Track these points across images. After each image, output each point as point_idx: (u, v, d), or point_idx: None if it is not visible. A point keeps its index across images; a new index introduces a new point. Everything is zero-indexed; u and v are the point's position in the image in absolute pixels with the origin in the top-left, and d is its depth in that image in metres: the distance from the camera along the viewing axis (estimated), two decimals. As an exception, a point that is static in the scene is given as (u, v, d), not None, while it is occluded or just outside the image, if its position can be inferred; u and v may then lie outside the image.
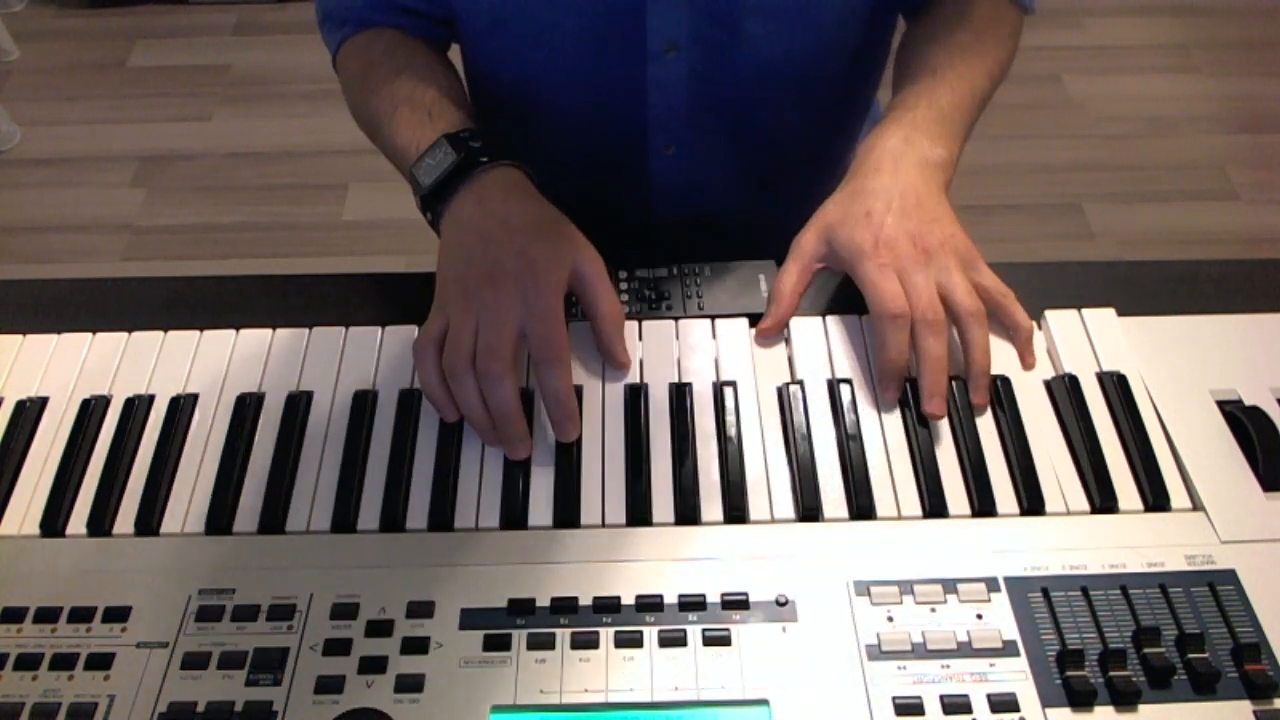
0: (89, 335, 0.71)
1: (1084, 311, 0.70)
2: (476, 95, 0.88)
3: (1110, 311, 0.70)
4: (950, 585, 0.56)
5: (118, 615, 0.56)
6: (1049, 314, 0.70)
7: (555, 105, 0.82)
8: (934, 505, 0.60)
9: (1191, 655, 0.53)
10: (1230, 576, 0.57)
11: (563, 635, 0.55)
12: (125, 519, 0.61)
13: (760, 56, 0.78)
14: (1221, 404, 0.65)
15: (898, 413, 0.65)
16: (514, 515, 0.60)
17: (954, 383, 0.65)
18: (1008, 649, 0.54)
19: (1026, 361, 0.67)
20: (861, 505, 0.60)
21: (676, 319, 0.71)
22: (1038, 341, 0.68)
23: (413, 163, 0.69)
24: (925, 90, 0.73)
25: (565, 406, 0.62)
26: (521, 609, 0.56)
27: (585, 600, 0.56)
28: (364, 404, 0.66)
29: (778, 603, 0.56)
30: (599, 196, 0.86)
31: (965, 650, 0.54)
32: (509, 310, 0.61)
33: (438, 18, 0.82)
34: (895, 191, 0.67)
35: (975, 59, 0.76)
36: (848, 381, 0.66)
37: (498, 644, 0.55)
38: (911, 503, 0.61)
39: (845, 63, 0.84)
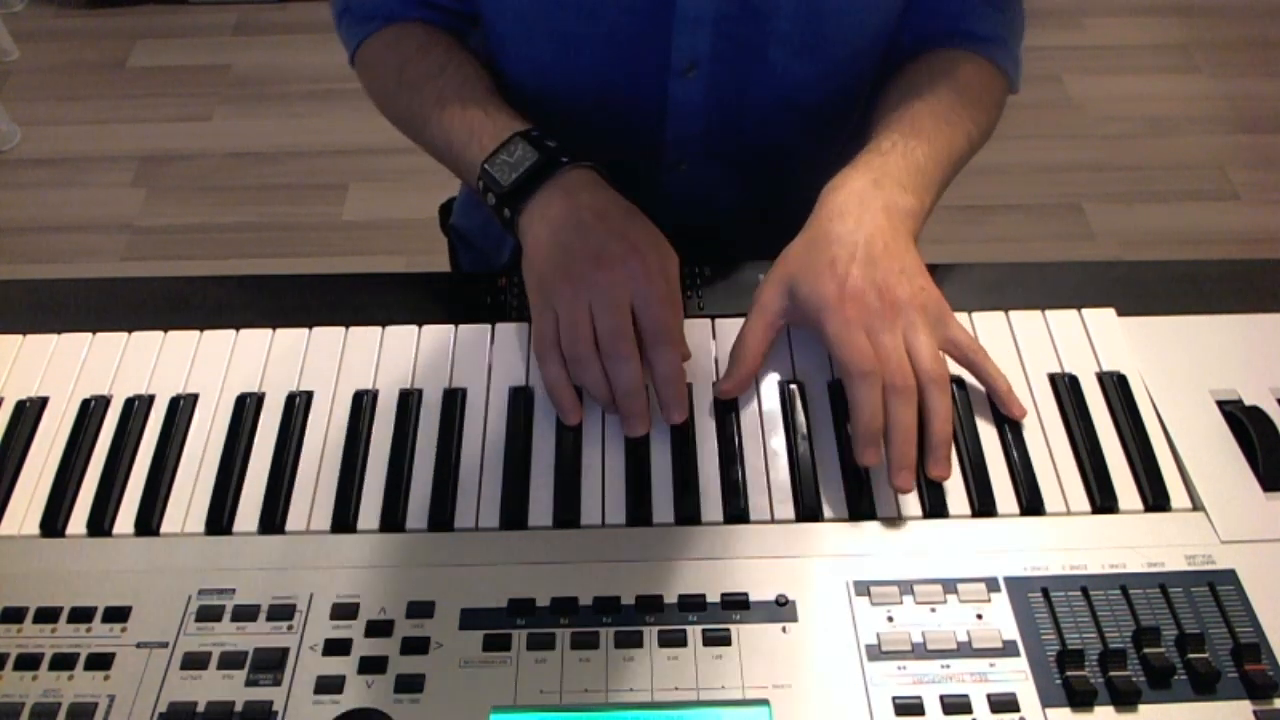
0: (89, 335, 0.71)
1: (1084, 311, 0.70)
2: None
3: (1110, 311, 0.70)
4: (950, 585, 0.56)
5: (118, 615, 0.56)
6: (1049, 314, 0.70)
7: (574, 112, 0.82)
8: (934, 505, 0.60)
9: (1191, 655, 0.53)
10: (1230, 576, 0.57)
11: (563, 635, 0.55)
12: (125, 519, 0.61)
13: (776, 83, 0.78)
14: (1221, 404, 0.65)
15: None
16: (514, 515, 0.60)
17: (954, 384, 0.65)
18: (1008, 649, 0.54)
19: (1014, 413, 0.64)
20: (861, 505, 0.60)
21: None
22: (1038, 341, 0.68)
23: (485, 156, 0.69)
24: (900, 139, 0.70)
25: (676, 388, 0.62)
26: (521, 609, 0.56)
27: (585, 600, 0.56)
28: (364, 404, 0.66)
29: (778, 603, 0.56)
30: None
31: (965, 650, 0.54)
32: (621, 290, 0.62)
33: (466, 14, 0.82)
34: (860, 238, 0.63)
35: (955, 118, 0.73)
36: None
37: (498, 644, 0.55)
38: (911, 503, 0.61)
39: (853, 99, 0.84)
